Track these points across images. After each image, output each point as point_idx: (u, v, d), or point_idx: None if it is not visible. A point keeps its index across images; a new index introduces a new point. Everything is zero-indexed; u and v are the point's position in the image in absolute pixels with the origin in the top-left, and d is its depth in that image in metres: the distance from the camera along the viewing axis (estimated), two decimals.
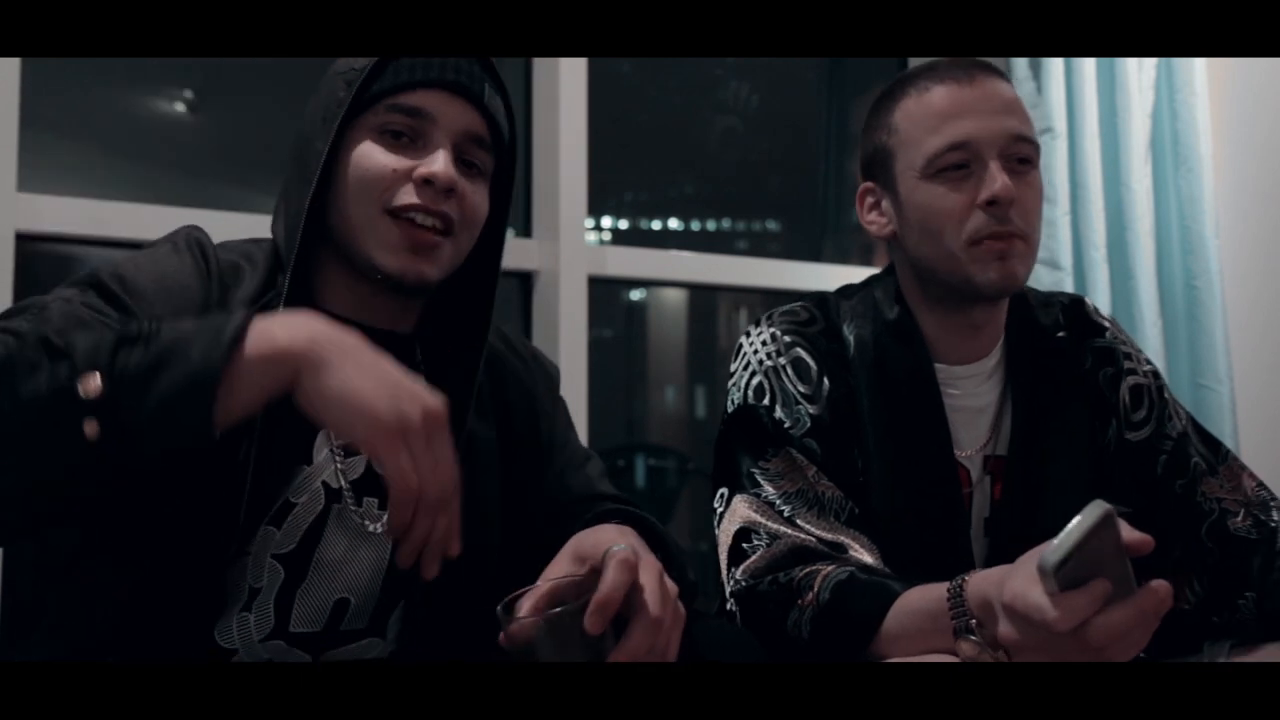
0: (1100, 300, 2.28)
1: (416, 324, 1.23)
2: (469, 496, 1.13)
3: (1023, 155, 1.29)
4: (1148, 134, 2.36)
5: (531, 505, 1.25)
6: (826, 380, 1.32)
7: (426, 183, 1.13)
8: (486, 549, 1.18)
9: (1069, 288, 2.26)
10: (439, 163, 1.13)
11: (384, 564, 1.14)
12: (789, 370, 1.32)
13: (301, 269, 1.14)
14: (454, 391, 1.13)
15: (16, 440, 0.86)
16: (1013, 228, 1.27)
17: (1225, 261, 2.39)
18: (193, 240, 1.13)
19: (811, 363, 1.32)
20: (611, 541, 0.99)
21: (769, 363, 1.33)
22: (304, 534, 1.11)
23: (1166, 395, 1.41)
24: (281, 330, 0.91)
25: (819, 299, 1.40)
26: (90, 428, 0.85)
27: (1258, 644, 1.27)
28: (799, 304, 1.39)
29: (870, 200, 1.38)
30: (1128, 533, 0.95)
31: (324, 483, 1.13)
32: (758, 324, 1.37)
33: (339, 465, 1.13)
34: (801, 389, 1.31)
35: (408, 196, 1.13)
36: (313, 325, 0.93)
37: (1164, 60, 2.39)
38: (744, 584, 1.26)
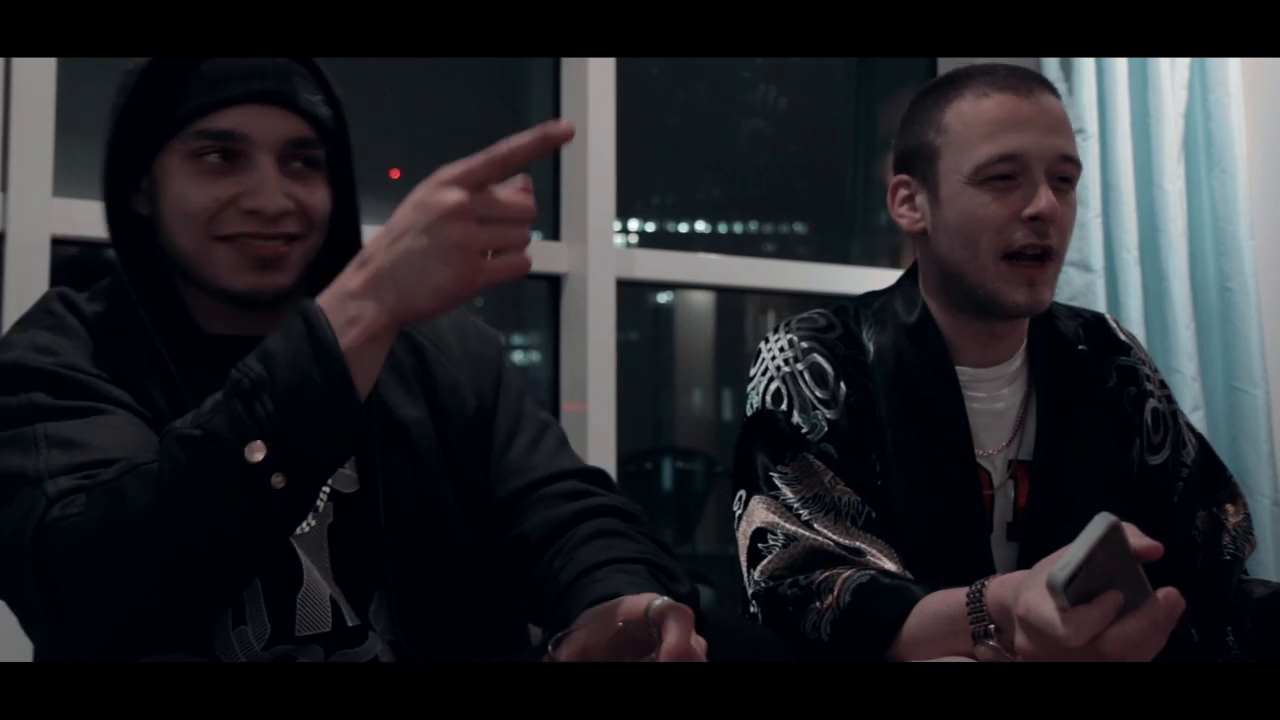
0: (1132, 303, 2.26)
1: None
2: (415, 482, 1.16)
3: (1066, 174, 1.31)
4: (1181, 134, 2.33)
5: (488, 478, 1.21)
6: (843, 386, 1.32)
7: (254, 213, 1.08)
8: (447, 528, 1.17)
9: (1101, 290, 2.24)
10: (264, 193, 1.07)
11: (325, 558, 1.12)
12: (806, 376, 1.33)
13: (164, 291, 1.12)
14: None
15: (222, 533, 0.93)
16: (1049, 244, 1.29)
17: (1260, 263, 2.36)
18: (61, 302, 1.12)
19: (829, 368, 1.33)
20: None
21: (786, 369, 1.34)
22: None
23: (1181, 420, 1.43)
24: (353, 304, 0.94)
25: (838, 306, 1.41)
26: (277, 480, 0.92)
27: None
28: (817, 310, 1.40)
29: (904, 193, 1.37)
30: (1137, 540, 0.95)
31: None
32: (776, 330, 1.38)
33: None
34: (819, 394, 1.32)
35: (237, 225, 1.08)
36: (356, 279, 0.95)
37: (1197, 60, 2.37)
38: (764, 585, 1.27)
